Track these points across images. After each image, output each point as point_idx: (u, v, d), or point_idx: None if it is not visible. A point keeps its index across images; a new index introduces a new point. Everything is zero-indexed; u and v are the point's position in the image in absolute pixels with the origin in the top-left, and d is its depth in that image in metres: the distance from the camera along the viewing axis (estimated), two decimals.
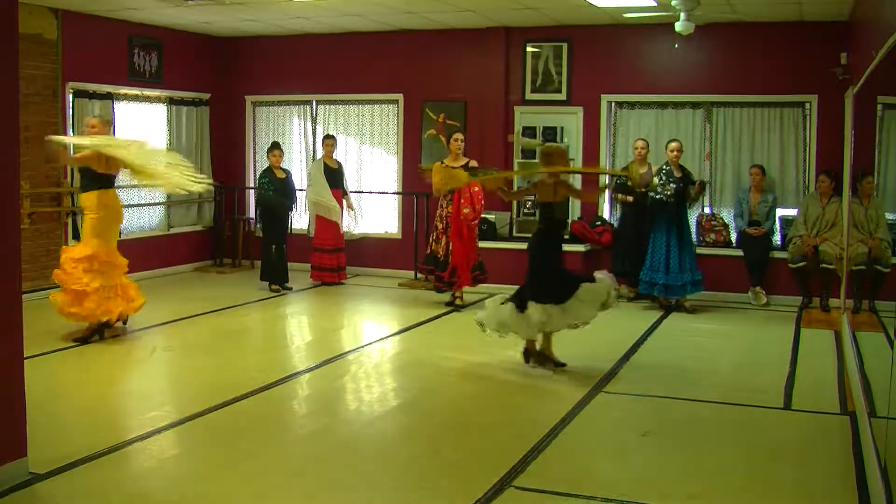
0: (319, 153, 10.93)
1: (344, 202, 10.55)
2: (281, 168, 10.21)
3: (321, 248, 10.46)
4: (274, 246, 10.13)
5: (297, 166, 11.85)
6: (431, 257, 9.26)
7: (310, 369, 6.79)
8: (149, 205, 11.13)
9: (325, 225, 10.39)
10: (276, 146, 10.26)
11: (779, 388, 6.34)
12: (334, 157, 10.62)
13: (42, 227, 9.50)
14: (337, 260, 10.53)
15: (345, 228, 10.98)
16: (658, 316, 8.86)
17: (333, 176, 10.43)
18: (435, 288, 9.28)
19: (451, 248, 9.01)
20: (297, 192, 10.64)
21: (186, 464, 4.76)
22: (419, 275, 10.40)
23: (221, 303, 9.31)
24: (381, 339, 8.07)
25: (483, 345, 7.61)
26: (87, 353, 7.12)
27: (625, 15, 9.19)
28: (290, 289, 10.11)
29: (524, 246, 9.89)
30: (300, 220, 11.60)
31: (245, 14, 10.01)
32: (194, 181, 6.55)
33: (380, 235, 11.56)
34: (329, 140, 10.58)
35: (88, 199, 7.39)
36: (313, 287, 10.30)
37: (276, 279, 10.12)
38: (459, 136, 9.17)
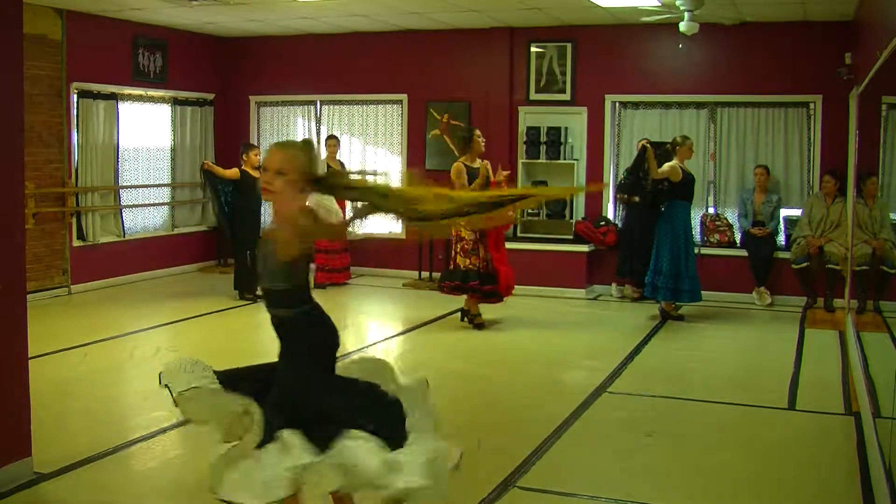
0: (323, 154, 10.89)
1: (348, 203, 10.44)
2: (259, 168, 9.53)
3: (324, 250, 10.37)
4: (248, 252, 9.31)
5: None
6: (461, 272, 8.05)
7: None
8: (153, 205, 11.15)
9: None
10: (251, 146, 9.71)
11: (783, 388, 6.33)
12: (337, 157, 10.60)
13: (47, 227, 9.51)
14: (340, 261, 10.49)
15: (349, 229, 10.94)
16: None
17: None
18: (479, 298, 8.20)
19: (489, 257, 8.10)
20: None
21: (191, 464, 4.76)
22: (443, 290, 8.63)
23: (226, 303, 9.31)
24: (386, 339, 8.08)
25: (487, 345, 7.62)
26: (90, 353, 7.12)
27: (642, 18, 9.13)
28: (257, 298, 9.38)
29: (530, 246, 9.96)
30: None
31: (249, 14, 10.02)
32: None
33: (384, 236, 11.54)
34: (332, 140, 10.55)
35: None
36: (317, 288, 10.29)
37: (251, 286, 9.40)
38: (479, 131, 8.38)
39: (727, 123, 10.11)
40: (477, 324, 8.21)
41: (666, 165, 8.42)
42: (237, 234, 9.64)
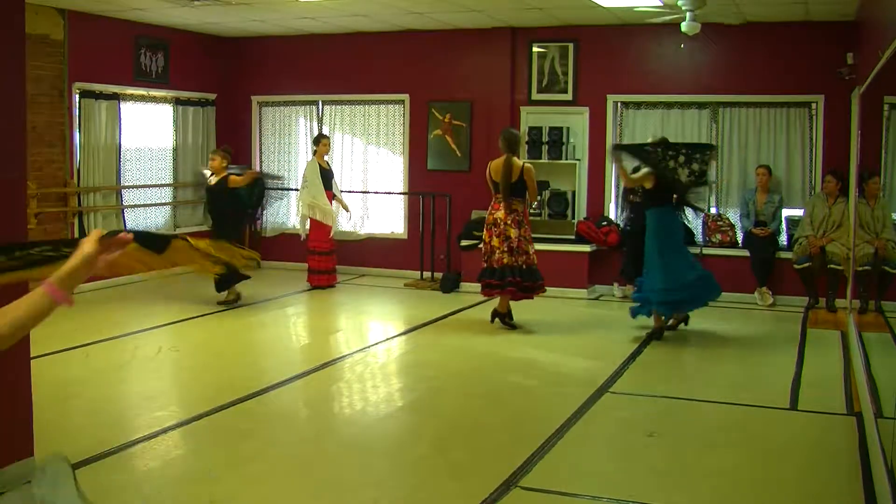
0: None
1: (335, 203, 10.32)
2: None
3: (317, 251, 10.19)
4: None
5: (302, 167, 11.86)
6: (517, 269, 7.87)
7: (315, 369, 6.79)
8: (155, 205, 11.15)
9: (321, 227, 10.08)
10: (216, 151, 9.66)
11: (785, 388, 6.32)
12: (325, 157, 10.42)
13: (49, 227, 9.51)
14: (328, 262, 10.23)
15: (349, 228, 10.92)
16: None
17: (326, 177, 10.19)
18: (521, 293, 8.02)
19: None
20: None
21: (192, 464, 4.77)
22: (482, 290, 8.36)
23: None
24: (387, 339, 8.07)
25: (489, 345, 7.62)
26: (92, 353, 7.13)
27: (649, 20, 9.10)
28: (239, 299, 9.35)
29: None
30: (292, 219, 11.61)
31: (251, 14, 10.03)
32: None
33: (385, 236, 11.56)
34: (325, 139, 10.41)
35: None
36: (315, 289, 10.19)
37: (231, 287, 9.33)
38: None
39: (729, 123, 10.10)
40: (513, 323, 8.15)
41: (639, 172, 7.88)
42: (222, 235, 9.60)
